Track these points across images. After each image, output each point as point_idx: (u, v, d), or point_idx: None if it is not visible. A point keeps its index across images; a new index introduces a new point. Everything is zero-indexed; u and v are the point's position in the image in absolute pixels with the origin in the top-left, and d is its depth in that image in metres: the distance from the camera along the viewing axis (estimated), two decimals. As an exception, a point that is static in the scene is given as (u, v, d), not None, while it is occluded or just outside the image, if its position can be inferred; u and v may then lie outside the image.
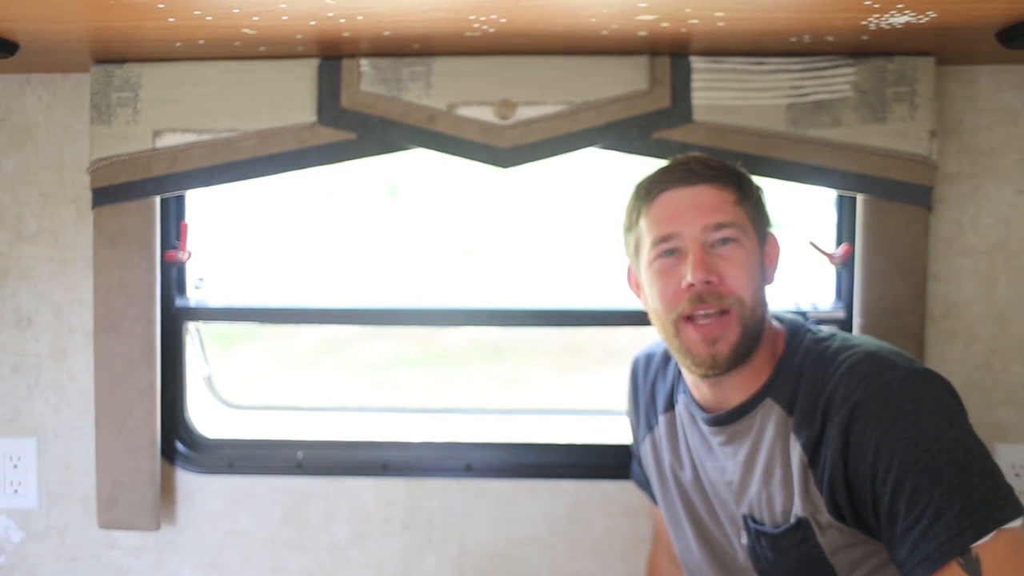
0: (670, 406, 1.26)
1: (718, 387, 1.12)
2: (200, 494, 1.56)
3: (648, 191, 1.13)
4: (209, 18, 1.15)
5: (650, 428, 1.30)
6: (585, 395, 1.88)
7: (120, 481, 1.47)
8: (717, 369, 1.08)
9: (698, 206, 1.09)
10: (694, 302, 1.07)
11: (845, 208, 1.48)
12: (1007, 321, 1.47)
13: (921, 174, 1.37)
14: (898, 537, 0.94)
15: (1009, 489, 0.93)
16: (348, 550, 1.57)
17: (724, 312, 1.06)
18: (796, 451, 1.05)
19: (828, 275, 1.52)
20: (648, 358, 1.33)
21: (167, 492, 1.56)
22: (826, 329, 1.14)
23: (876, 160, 1.36)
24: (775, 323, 1.15)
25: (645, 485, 1.37)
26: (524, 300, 1.60)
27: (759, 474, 1.10)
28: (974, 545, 0.89)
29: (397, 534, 1.56)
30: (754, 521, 1.12)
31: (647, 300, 1.15)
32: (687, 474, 1.22)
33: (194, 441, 1.58)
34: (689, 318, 1.08)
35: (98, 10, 1.12)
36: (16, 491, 1.57)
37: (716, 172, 1.11)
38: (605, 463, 1.55)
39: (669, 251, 1.10)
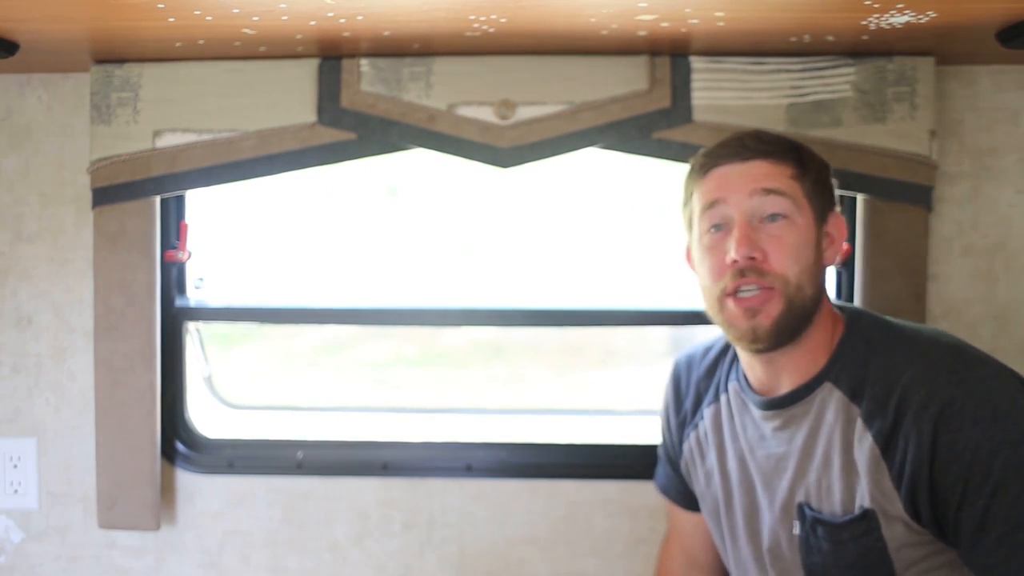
0: (715, 399, 1.24)
1: (771, 366, 1.11)
2: (200, 494, 1.56)
3: (702, 166, 1.12)
4: (209, 18, 1.15)
5: (695, 426, 1.28)
6: (585, 395, 1.88)
7: (120, 481, 1.47)
8: (759, 344, 1.06)
9: (750, 175, 1.07)
10: (736, 277, 1.05)
11: (845, 208, 1.48)
12: (1007, 321, 1.47)
13: (921, 174, 1.37)
14: (992, 541, 0.92)
15: None
16: (348, 550, 1.57)
17: (766, 289, 1.05)
18: (867, 442, 1.02)
19: (828, 275, 1.52)
20: (689, 359, 1.32)
21: (167, 492, 1.56)
22: (886, 317, 1.12)
23: (876, 160, 1.36)
24: (835, 309, 1.13)
25: (667, 490, 1.36)
26: (524, 300, 1.60)
27: (818, 460, 1.08)
28: None
29: (397, 534, 1.56)
30: (811, 509, 1.09)
31: (698, 276, 1.14)
32: (733, 464, 1.20)
33: (194, 441, 1.58)
34: (731, 293, 1.06)
35: (98, 10, 1.12)
36: (16, 491, 1.57)
37: (771, 147, 1.09)
38: (605, 463, 1.55)
39: (717, 226, 1.08)
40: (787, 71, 1.37)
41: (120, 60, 1.42)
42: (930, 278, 1.45)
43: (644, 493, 1.42)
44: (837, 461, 1.06)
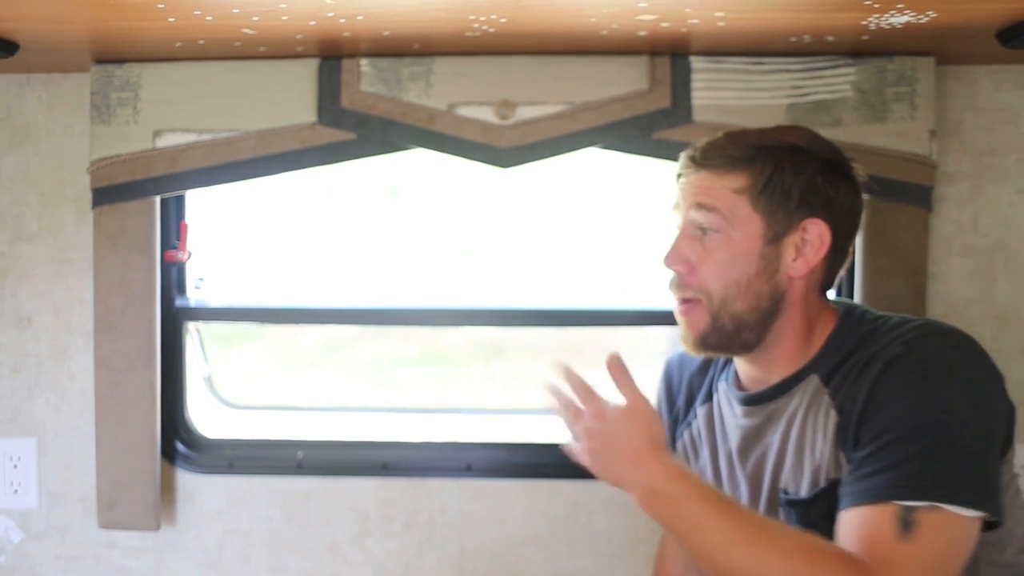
0: (708, 397, 1.25)
1: (753, 366, 1.13)
2: (200, 494, 1.56)
3: (677, 174, 1.15)
4: (209, 18, 1.15)
5: (689, 424, 1.28)
6: (585, 395, 1.87)
7: (120, 481, 1.47)
8: (692, 350, 1.11)
9: (694, 187, 1.10)
10: (671, 284, 1.11)
11: (845, 208, 1.48)
12: (1007, 321, 1.47)
13: (921, 174, 1.37)
14: (853, 466, 0.97)
15: (984, 485, 0.93)
16: (348, 550, 1.57)
17: (693, 301, 1.09)
18: (831, 415, 1.04)
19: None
20: (682, 356, 1.32)
21: (167, 492, 1.56)
22: (884, 312, 1.13)
23: (876, 160, 1.36)
24: (832, 306, 1.13)
25: None
26: (524, 300, 1.60)
27: (793, 445, 1.09)
28: (915, 505, 0.91)
29: (397, 534, 1.56)
30: (786, 493, 1.10)
31: None
32: (723, 464, 1.21)
33: (194, 441, 1.58)
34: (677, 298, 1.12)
35: (98, 10, 1.12)
36: (16, 491, 1.57)
37: (721, 160, 1.08)
38: (605, 463, 1.55)
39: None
40: (787, 71, 1.37)
41: (120, 60, 1.42)
42: (930, 278, 1.45)
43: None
44: (808, 442, 1.07)
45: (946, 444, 0.93)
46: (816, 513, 1.06)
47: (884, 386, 0.98)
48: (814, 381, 1.08)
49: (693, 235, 1.09)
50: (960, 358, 0.99)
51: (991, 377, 0.99)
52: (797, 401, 1.09)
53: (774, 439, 1.12)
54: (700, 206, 1.08)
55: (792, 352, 1.10)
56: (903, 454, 0.93)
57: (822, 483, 1.05)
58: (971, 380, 0.98)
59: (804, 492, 1.07)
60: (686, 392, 1.29)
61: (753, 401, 1.13)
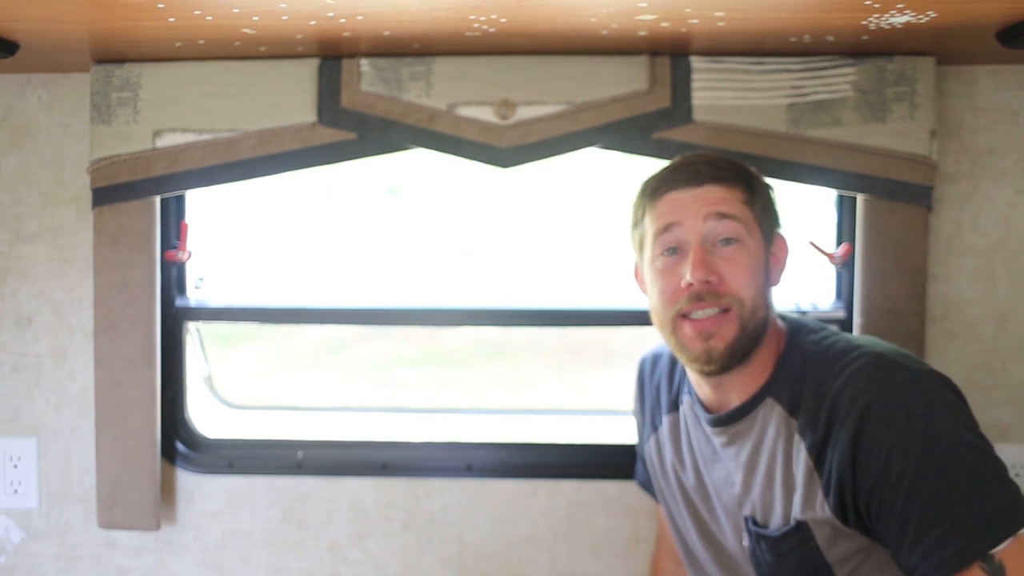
0: (674, 407, 1.25)
1: (719, 387, 1.12)
2: (200, 494, 1.56)
3: (655, 190, 1.13)
4: (209, 18, 1.15)
5: (654, 428, 1.29)
6: (585, 395, 1.88)
7: (120, 481, 1.47)
8: (712, 366, 1.07)
9: (704, 199, 1.08)
10: (692, 301, 1.07)
11: (845, 208, 1.48)
12: (1007, 321, 1.47)
13: (921, 174, 1.37)
14: (909, 542, 0.93)
15: (1019, 491, 0.93)
16: (348, 550, 1.57)
17: (723, 311, 1.06)
18: (802, 455, 1.04)
19: (828, 275, 1.52)
20: (655, 359, 1.33)
21: (167, 492, 1.56)
22: (828, 328, 1.14)
23: (876, 160, 1.36)
24: (779, 323, 1.14)
25: (648, 486, 1.37)
26: (524, 300, 1.60)
27: (761, 476, 1.09)
28: (995, 551, 0.89)
29: (397, 534, 1.56)
30: (755, 524, 1.11)
31: (650, 297, 1.15)
32: (689, 476, 1.22)
33: (194, 441, 1.58)
34: (686, 315, 1.08)
35: (98, 10, 1.12)
36: (16, 491, 1.57)
37: (723, 172, 1.11)
38: (605, 463, 1.55)
39: (671, 249, 1.09)
40: (787, 71, 1.37)
41: (120, 60, 1.42)
42: (930, 278, 1.45)
43: (644, 493, 1.43)
44: (779, 476, 1.07)
45: (978, 474, 0.93)
46: (786, 546, 1.07)
47: (873, 439, 0.96)
48: (776, 408, 1.08)
49: (708, 247, 1.08)
50: (929, 386, 0.98)
51: (952, 388, 1.00)
52: (760, 424, 1.10)
53: (739, 462, 1.13)
54: (723, 215, 1.07)
55: (755, 370, 1.10)
56: (953, 508, 0.91)
57: (791, 522, 1.06)
58: (949, 404, 0.97)
59: (773, 528, 1.08)
60: (652, 396, 1.31)
61: (718, 423, 1.14)
